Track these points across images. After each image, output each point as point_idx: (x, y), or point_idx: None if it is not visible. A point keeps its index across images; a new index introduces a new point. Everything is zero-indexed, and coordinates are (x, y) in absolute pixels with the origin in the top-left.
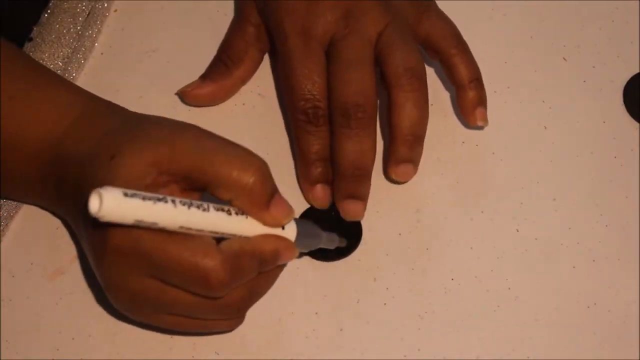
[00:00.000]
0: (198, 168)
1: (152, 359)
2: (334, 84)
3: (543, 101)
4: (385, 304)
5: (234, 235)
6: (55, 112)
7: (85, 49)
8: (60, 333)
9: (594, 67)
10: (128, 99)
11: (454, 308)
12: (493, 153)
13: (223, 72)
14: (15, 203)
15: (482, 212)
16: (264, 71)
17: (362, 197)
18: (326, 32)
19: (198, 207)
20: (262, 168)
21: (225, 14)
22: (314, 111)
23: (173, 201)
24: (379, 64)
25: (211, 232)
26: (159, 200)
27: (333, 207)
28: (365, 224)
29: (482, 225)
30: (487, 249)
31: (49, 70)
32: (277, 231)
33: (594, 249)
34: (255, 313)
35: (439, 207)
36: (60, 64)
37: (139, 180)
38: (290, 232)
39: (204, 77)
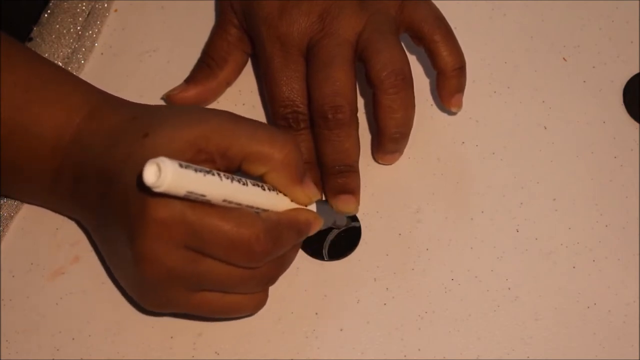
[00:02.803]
0: (237, 144)
1: (152, 359)
2: (311, 87)
3: (543, 101)
4: (385, 304)
5: (267, 210)
6: (74, 102)
7: (85, 49)
8: (60, 333)
9: (594, 67)
10: (128, 99)
11: (454, 308)
12: (493, 153)
13: (207, 74)
14: (15, 203)
15: (482, 212)
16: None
17: (352, 191)
18: (302, 37)
19: (239, 181)
20: (297, 145)
21: None
22: (294, 116)
23: (219, 174)
24: (363, 64)
25: (248, 206)
26: (208, 173)
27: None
28: (365, 224)
29: (482, 225)
30: (487, 249)
31: (64, 68)
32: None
33: (594, 249)
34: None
35: (439, 207)
36: (60, 64)
37: (178, 157)
38: (312, 209)
39: (189, 81)
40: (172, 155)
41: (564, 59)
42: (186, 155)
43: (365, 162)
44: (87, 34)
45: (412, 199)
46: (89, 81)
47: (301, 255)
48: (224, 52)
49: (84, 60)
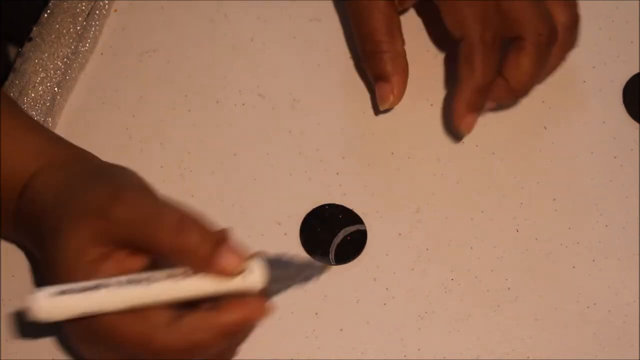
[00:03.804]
0: (135, 238)
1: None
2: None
3: (543, 101)
4: (385, 304)
5: (194, 297)
6: (17, 164)
7: (85, 49)
8: (60, 333)
9: (594, 67)
10: (128, 99)
11: (454, 308)
12: (493, 153)
13: (394, 57)
14: None
15: (482, 212)
16: (264, 71)
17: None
18: None
19: (139, 282)
20: (195, 226)
21: (225, 14)
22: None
23: (107, 286)
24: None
25: (166, 301)
26: (93, 289)
27: (337, 208)
28: (365, 224)
29: (482, 225)
30: (487, 249)
31: (18, 113)
32: (240, 281)
33: (594, 249)
34: None
35: (439, 207)
36: (60, 64)
37: (82, 257)
38: (255, 278)
39: (385, 78)
40: (76, 257)
41: None
42: (90, 254)
43: (366, 162)
44: (87, 34)
45: (412, 199)
46: (89, 81)
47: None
48: (386, 24)
49: (84, 60)
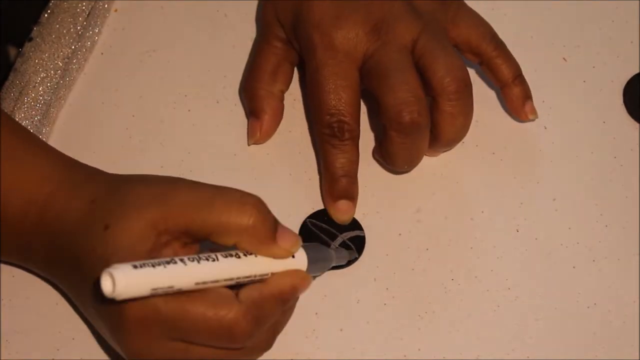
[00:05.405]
0: (197, 221)
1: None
2: (380, 94)
3: (543, 101)
4: (385, 304)
5: (249, 277)
6: (36, 179)
7: (86, 49)
8: (60, 333)
9: (594, 67)
10: (128, 99)
11: (454, 308)
12: (493, 153)
13: (268, 97)
14: None
15: (482, 212)
16: None
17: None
18: (358, 47)
19: (207, 259)
20: (259, 205)
21: (225, 14)
22: (339, 125)
23: (182, 260)
24: (421, 71)
25: (226, 280)
26: (168, 263)
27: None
28: (365, 224)
29: (482, 225)
30: (487, 249)
31: (28, 132)
32: (289, 262)
33: (594, 249)
34: None
35: (439, 207)
36: (60, 64)
37: (140, 246)
38: (301, 260)
39: (258, 114)
40: (133, 246)
41: (564, 59)
42: (147, 243)
43: (366, 162)
44: (87, 34)
45: (412, 199)
46: (89, 80)
47: None
48: (273, 67)
49: (84, 60)
